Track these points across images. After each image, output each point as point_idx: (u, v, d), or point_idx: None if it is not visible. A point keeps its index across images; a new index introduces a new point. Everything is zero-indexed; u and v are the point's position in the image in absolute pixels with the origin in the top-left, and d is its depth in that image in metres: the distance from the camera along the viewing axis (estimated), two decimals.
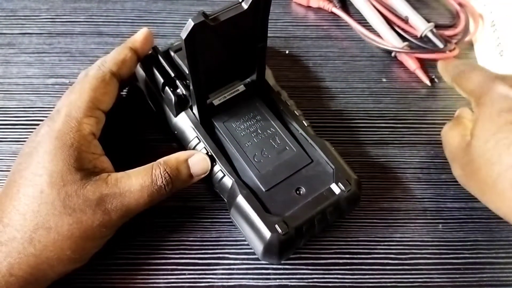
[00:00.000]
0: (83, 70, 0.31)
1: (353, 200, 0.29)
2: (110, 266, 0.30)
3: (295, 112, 0.32)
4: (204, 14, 0.24)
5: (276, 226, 0.26)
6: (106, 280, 0.29)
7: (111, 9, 0.43)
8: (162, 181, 0.27)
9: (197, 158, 0.29)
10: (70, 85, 0.37)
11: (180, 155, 0.29)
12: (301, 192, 0.28)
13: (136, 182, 0.27)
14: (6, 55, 0.39)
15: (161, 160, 0.28)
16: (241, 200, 0.27)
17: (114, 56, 0.31)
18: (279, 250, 0.27)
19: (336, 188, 0.28)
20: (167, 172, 0.28)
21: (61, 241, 0.25)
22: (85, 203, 0.25)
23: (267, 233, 0.26)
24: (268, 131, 0.31)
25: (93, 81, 0.29)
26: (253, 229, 0.27)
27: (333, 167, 0.29)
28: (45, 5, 0.42)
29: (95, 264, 0.28)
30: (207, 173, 0.30)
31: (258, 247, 0.27)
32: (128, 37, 0.40)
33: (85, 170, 0.26)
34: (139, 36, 0.32)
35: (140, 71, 0.33)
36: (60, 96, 0.36)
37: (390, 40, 0.41)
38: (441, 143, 0.34)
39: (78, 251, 0.26)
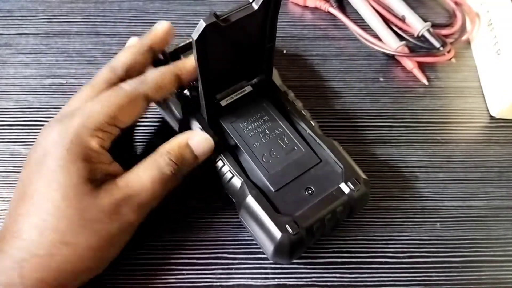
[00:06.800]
0: (109, 64, 0.29)
1: (362, 199, 0.29)
2: (107, 267, 0.30)
3: (303, 112, 0.32)
4: (215, 14, 0.24)
5: (287, 226, 0.26)
6: (103, 281, 0.29)
7: (108, 9, 0.42)
8: (171, 170, 0.27)
9: (198, 140, 0.28)
10: (67, 85, 0.37)
11: (180, 141, 0.28)
12: (311, 192, 0.28)
13: (146, 178, 0.26)
14: (3, 55, 0.39)
15: (163, 149, 0.28)
16: (250, 200, 0.27)
17: (157, 80, 0.28)
18: (290, 250, 0.27)
19: (345, 188, 0.28)
20: (172, 160, 0.27)
21: (80, 254, 0.25)
22: (102, 213, 0.25)
23: (277, 233, 0.26)
24: (276, 131, 0.31)
25: (124, 99, 0.27)
26: (263, 230, 0.27)
27: (342, 166, 0.29)
28: (42, 5, 0.42)
29: None
30: (212, 151, 0.29)
31: (269, 247, 0.27)
32: (125, 37, 0.41)
33: (97, 180, 0.26)
34: (191, 64, 0.29)
35: None
36: (57, 97, 0.37)
37: (387, 39, 0.41)
38: (439, 142, 0.34)
39: (98, 261, 0.26)
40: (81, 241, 0.25)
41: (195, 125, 0.31)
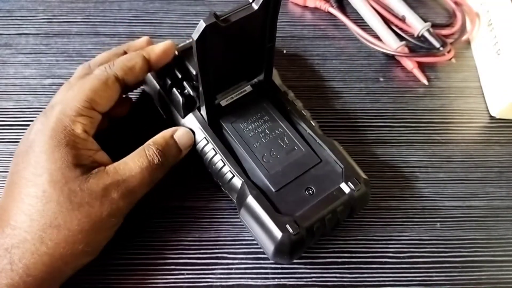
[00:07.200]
0: (85, 63, 0.31)
1: (362, 199, 0.29)
2: (108, 267, 0.30)
3: (303, 112, 0.32)
4: (215, 15, 0.24)
5: (287, 226, 0.26)
6: (104, 281, 0.29)
7: (108, 9, 0.43)
8: (158, 159, 0.28)
9: (181, 132, 0.30)
10: None
11: (165, 133, 0.30)
12: (311, 191, 0.28)
13: (135, 166, 0.28)
14: (3, 55, 0.39)
15: (150, 141, 0.29)
16: (251, 200, 0.27)
17: (123, 61, 0.30)
18: (290, 250, 0.27)
19: (345, 187, 0.28)
20: (159, 150, 0.29)
21: (72, 236, 0.25)
22: (91, 196, 0.26)
23: (278, 233, 0.26)
24: (276, 131, 0.31)
25: (95, 81, 0.28)
26: (263, 230, 0.27)
27: (342, 166, 0.29)
28: (42, 5, 0.42)
29: (93, 264, 0.28)
30: (192, 145, 0.31)
31: (269, 247, 0.27)
32: (125, 37, 0.41)
33: (84, 166, 0.26)
34: (159, 48, 0.31)
35: (148, 75, 0.33)
36: None
37: (387, 39, 0.41)
38: (439, 142, 0.34)
39: (90, 244, 0.26)
40: (73, 224, 0.25)
41: (196, 125, 0.31)
